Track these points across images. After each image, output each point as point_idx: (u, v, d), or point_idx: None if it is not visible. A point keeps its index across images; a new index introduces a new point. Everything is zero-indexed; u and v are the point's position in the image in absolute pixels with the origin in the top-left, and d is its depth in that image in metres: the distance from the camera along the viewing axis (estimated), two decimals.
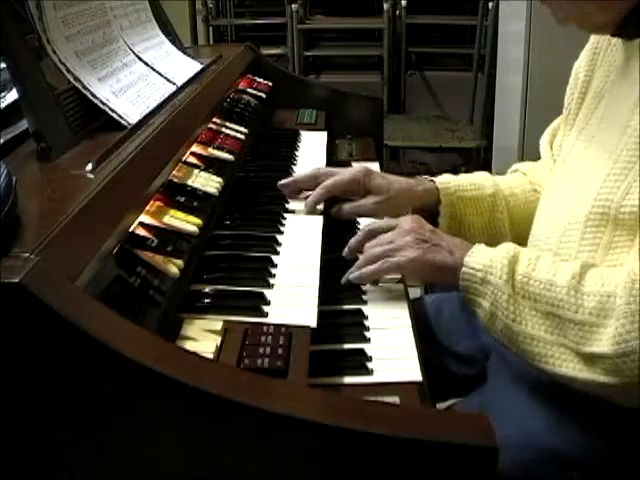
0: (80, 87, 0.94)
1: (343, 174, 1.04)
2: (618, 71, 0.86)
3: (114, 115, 0.96)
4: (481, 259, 0.81)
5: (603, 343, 0.71)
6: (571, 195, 0.86)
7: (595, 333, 0.72)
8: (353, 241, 0.92)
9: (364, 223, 1.05)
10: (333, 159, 1.33)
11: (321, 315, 0.78)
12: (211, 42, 3.56)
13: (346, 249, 0.93)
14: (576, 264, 0.77)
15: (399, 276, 0.91)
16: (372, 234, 0.91)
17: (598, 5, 0.79)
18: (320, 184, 1.03)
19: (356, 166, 1.07)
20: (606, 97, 0.88)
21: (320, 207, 1.04)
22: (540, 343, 0.76)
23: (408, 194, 1.02)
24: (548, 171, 1.05)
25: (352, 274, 0.87)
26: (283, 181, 1.06)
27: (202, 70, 1.30)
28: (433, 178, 1.06)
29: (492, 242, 1.03)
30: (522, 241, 1.04)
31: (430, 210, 1.04)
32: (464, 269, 0.81)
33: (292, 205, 1.05)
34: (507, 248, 0.81)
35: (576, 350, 0.73)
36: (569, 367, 0.74)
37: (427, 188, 1.04)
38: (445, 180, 1.05)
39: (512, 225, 1.06)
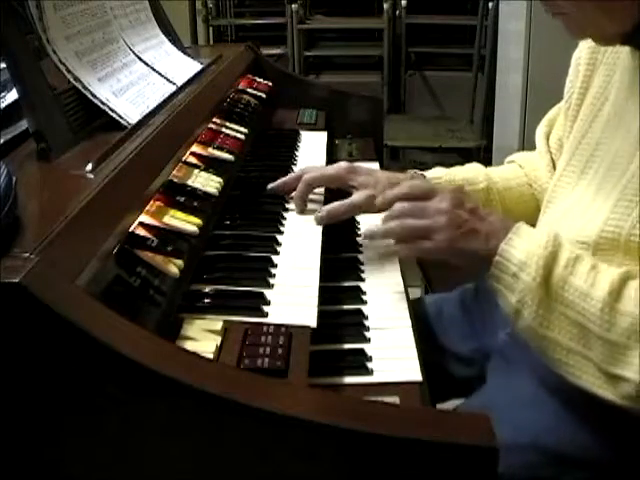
0: (80, 87, 0.94)
1: (326, 169, 1.04)
2: (624, 76, 0.85)
3: (114, 115, 0.96)
4: (517, 252, 0.76)
5: (632, 368, 0.69)
6: (577, 212, 0.84)
7: (624, 355, 0.70)
8: (393, 193, 0.88)
9: (364, 223, 1.05)
10: (333, 159, 1.33)
11: (321, 315, 0.78)
12: (211, 42, 3.57)
13: (370, 232, 0.89)
14: (615, 275, 0.73)
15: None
16: (407, 199, 0.86)
17: (612, 19, 0.77)
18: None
19: (341, 163, 1.04)
20: (611, 100, 0.86)
21: (318, 207, 1.04)
22: (564, 351, 0.73)
23: None
24: (544, 166, 1.04)
25: (383, 249, 0.84)
26: (272, 185, 1.05)
27: (202, 70, 1.30)
28: (424, 172, 1.04)
29: None
30: None
31: None
32: (497, 258, 0.77)
33: (292, 205, 1.05)
34: (547, 241, 0.76)
35: (600, 367, 0.72)
36: (589, 380, 0.73)
37: None
38: (436, 175, 1.03)
39: None
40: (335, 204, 0.98)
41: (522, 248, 0.76)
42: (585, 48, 0.93)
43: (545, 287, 0.74)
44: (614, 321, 0.71)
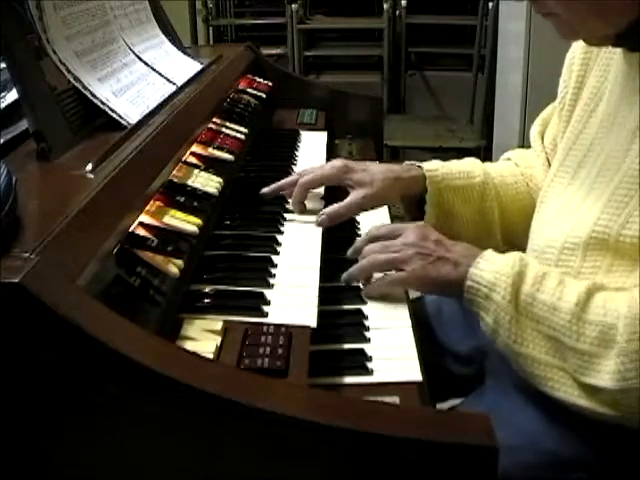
0: (80, 87, 0.94)
1: (321, 169, 1.03)
2: (617, 77, 0.85)
3: (114, 115, 0.96)
4: (486, 274, 0.79)
5: (603, 377, 0.71)
6: (569, 211, 0.85)
7: (595, 364, 0.71)
8: (358, 244, 0.92)
9: (363, 223, 1.05)
10: (333, 159, 1.33)
11: (321, 315, 0.78)
12: (211, 42, 3.57)
13: (351, 250, 0.92)
14: (582, 287, 0.75)
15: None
16: (376, 240, 0.90)
17: (602, 20, 0.77)
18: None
19: (335, 161, 1.04)
20: (605, 101, 0.86)
21: (320, 205, 1.04)
22: (541, 365, 0.75)
23: (393, 183, 1.00)
24: (540, 165, 1.04)
25: (363, 291, 0.87)
26: (266, 189, 1.04)
27: (202, 70, 1.30)
28: (421, 164, 1.04)
29: (481, 230, 1.02)
30: (511, 229, 1.04)
31: (417, 197, 1.03)
32: (468, 282, 0.80)
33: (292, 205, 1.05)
34: (513, 261, 0.79)
35: (576, 378, 0.73)
36: (567, 392, 0.74)
37: (414, 175, 1.02)
38: (433, 167, 1.03)
39: (502, 214, 1.04)
40: (334, 206, 0.99)
41: (490, 270, 0.79)
42: (578, 48, 0.93)
43: (515, 304, 0.76)
44: (582, 331, 0.73)
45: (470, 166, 1.06)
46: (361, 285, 0.89)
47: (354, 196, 0.99)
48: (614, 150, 0.80)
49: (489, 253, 0.82)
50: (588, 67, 0.92)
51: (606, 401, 0.71)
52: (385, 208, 1.09)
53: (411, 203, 1.05)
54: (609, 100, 0.85)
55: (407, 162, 1.05)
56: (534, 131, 1.07)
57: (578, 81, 0.92)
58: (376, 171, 1.01)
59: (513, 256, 0.80)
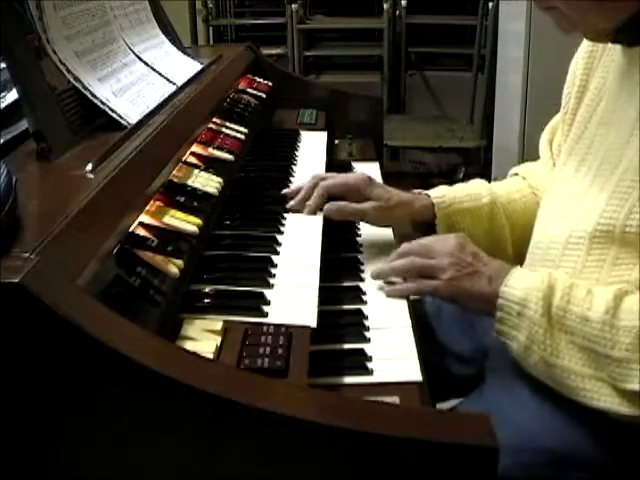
0: (80, 87, 0.94)
1: (346, 178, 1.04)
2: (617, 74, 0.86)
3: (114, 115, 0.96)
4: (517, 292, 0.79)
5: None
6: (572, 205, 0.85)
7: (633, 369, 0.71)
8: (392, 258, 0.92)
9: (363, 224, 1.05)
10: (333, 159, 1.33)
11: (321, 315, 0.78)
12: (211, 42, 3.57)
13: (387, 267, 0.91)
14: (609, 295, 0.75)
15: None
16: (416, 244, 0.91)
17: (602, 14, 0.78)
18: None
19: (359, 173, 1.06)
20: (605, 100, 0.87)
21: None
22: (578, 377, 0.75)
23: (407, 208, 1.01)
24: (548, 173, 1.04)
25: (388, 288, 0.88)
26: (286, 190, 1.06)
27: (202, 70, 1.30)
28: (429, 192, 1.04)
29: (494, 248, 1.02)
30: (522, 243, 1.04)
31: (427, 224, 1.03)
32: (500, 301, 0.80)
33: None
34: (542, 277, 0.79)
35: (615, 386, 0.73)
36: (607, 401, 0.74)
37: (424, 204, 1.03)
38: (440, 194, 1.04)
39: (512, 231, 1.05)
40: (345, 202, 1.00)
41: (520, 287, 0.80)
42: (581, 56, 0.94)
43: (548, 318, 0.77)
44: (616, 338, 0.73)
45: (476, 188, 1.06)
46: (383, 284, 0.89)
47: (368, 203, 1.00)
48: (614, 143, 0.81)
49: (518, 270, 0.83)
50: (591, 71, 0.92)
51: None
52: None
53: (422, 229, 1.05)
54: (609, 96, 0.86)
55: (415, 190, 1.06)
56: (543, 140, 1.07)
57: (581, 85, 0.93)
58: (394, 193, 1.03)
59: (541, 272, 0.81)
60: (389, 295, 0.88)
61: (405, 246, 0.91)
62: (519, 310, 0.78)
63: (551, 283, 0.78)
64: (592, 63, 0.92)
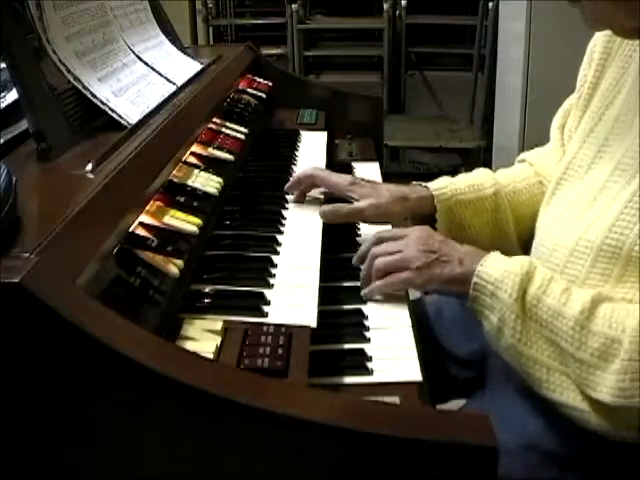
0: (80, 87, 0.94)
1: (331, 174, 1.04)
2: (637, 73, 0.83)
3: (114, 115, 0.96)
4: (493, 271, 0.78)
5: (601, 390, 0.70)
6: (581, 209, 0.83)
7: (594, 375, 0.71)
8: (363, 249, 0.91)
9: (363, 225, 1.05)
10: (333, 159, 1.33)
11: (321, 315, 0.78)
12: (211, 42, 3.57)
13: (355, 257, 0.92)
14: (588, 296, 0.74)
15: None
16: (380, 242, 0.89)
17: (626, 11, 0.76)
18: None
19: (347, 175, 1.05)
20: (623, 94, 0.85)
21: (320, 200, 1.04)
22: (543, 368, 0.75)
23: (399, 201, 1.00)
24: (557, 159, 1.01)
25: (362, 290, 0.87)
26: (288, 185, 1.07)
27: (202, 70, 1.30)
28: (428, 184, 1.02)
29: (497, 241, 1.01)
30: (528, 237, 1.02)
31: (428, 218, 1.01)
32: (475, 279, 0.79)
33: (292, 205, 1.05)
34: (522, 263, 0.78)
35: (577, 384, 0.73)
36: (570, 396, 0.73)
37: (422, 196, 1.00)
38: (441, 185, 1.01)
39: (516, 222, 1.03)
40: (340, 204, 1.00)
41: (498, 267, 0.79)
42: (601, 36, 0.92)
43: (521, 304, 0.76)
44: (585, 340, 0.72)
45: (480, 178, 1.04)
46: (365, 289, 0.88)
47: (358, 203, 0.99)
48: (631, 150, 0.79)
49: (497, 254, 0.81)
50: (609, 56, 0.90)
51: (603, 413, 0.71)
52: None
53: (422, 222, 1.04)
54: (628, 95, 0.84)
55: (414, 182, 1.04)
56: (555, 125, 1.04)
57: (598, 70, 0.91)
58: (383, 188, 1.01)
59: (522, 259, 0.79)
60: (366, 297, 0.87)
61: (371, 250, 0.89)
62: (492, 290, 0.77)
63: (530, 270, 0.77)
64: (611, 48, 0.90)
